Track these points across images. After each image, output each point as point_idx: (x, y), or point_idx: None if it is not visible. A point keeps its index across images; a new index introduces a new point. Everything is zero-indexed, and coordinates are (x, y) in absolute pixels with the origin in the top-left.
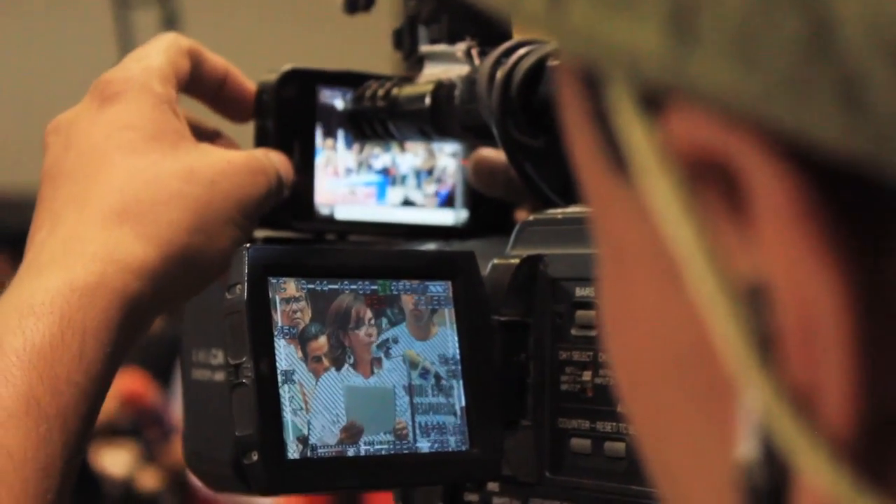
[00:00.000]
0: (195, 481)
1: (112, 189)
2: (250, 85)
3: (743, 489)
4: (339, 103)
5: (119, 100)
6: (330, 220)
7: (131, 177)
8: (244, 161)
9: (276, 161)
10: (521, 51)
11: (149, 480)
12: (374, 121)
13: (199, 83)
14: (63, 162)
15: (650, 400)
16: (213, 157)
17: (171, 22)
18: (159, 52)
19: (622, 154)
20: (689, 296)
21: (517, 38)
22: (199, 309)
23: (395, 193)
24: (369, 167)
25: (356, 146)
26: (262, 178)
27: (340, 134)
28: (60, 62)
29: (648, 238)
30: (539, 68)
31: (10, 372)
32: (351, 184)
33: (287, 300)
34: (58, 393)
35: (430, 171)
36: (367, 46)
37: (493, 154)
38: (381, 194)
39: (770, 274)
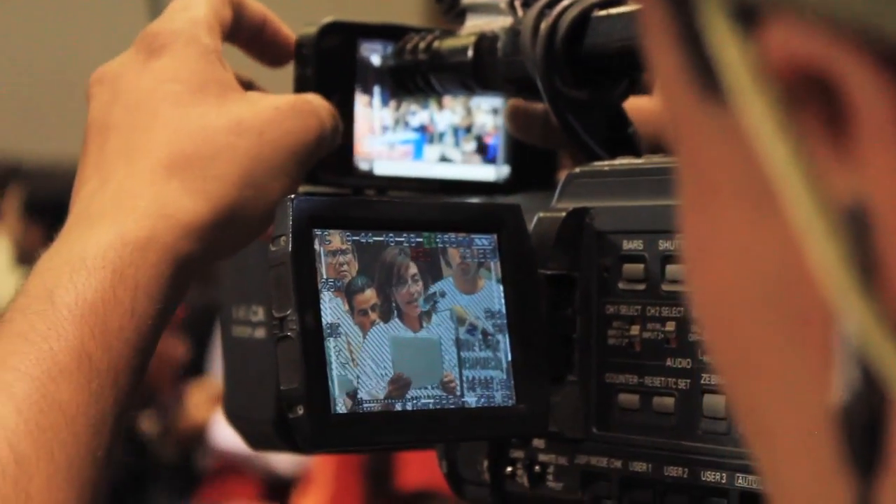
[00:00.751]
0: (214, 441)
1: (160, 142)
2: (287, 30)
3: (838, 424)
4: (376, 59)
5: (165, 52)
6: (369, 175)
7: (179, 130)
8: (292, 106)
9: (326, 105)
10: (565, 2)
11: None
12: (416, 74)
13: (239, 30)
14: (109, 114)
15: (737, 335)
16: (260, 106)
17: None
18: (203, 2)
19: (714, 74)
20: (784, 222)
21: None
22: (238, 265)
23: (433, 151)
24: (406, 124)
25: (393, 103)
26: (313, 122)
27: (377, 90)
28: (90, 30)
29: (739, 163)
30: (584, 19)
31: (62, 326)
32: (388, 141)
33: (333, 252)
34: (109, 348)
35: (468, 129)
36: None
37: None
38: (419, 152)
39: (872, 195)
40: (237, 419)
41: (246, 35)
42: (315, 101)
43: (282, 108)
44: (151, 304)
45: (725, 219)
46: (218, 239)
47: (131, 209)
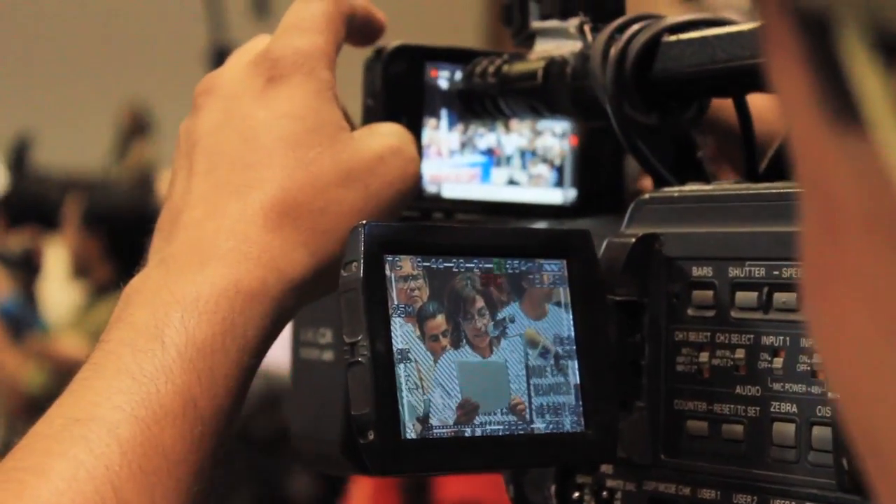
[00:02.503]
0: None
1: (275, 186)
2: (379, 13)
3: None
4: (443, 83)
5: (284, 83)
6: (437, 198)
7: (293, 175)
8: (395, 153)
9: (414, 145)
10: (635, 27)
11: None
12: (485, 98)
13: (351, 36)
14: (221, 138)
15: (857, 365)
16: (366, 153)
17: (261, 5)
18: (323, 28)
19: (849, 103)
20: None
21: (630, 13)
22: None
23: (500, 174)
24: (473, 147)
25: (460, 126)
26: (411, 169)
27: (444, 114)
28: (150, 47)
29: (872, 195)
30: (654, 44)
31: (170, 369)
32: (455, 164)
33: (404, 278)
34: (214, 396)
35: (534, 152)
36: (459, 24)
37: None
38: (486, 175)
39: None
40: (305, 441)
41: (356, 36)
42: (411, 147)
43: (385, 158)
44: (254, 356)
45: (853, 250)
46: (315, 290)
47: (245, 255)
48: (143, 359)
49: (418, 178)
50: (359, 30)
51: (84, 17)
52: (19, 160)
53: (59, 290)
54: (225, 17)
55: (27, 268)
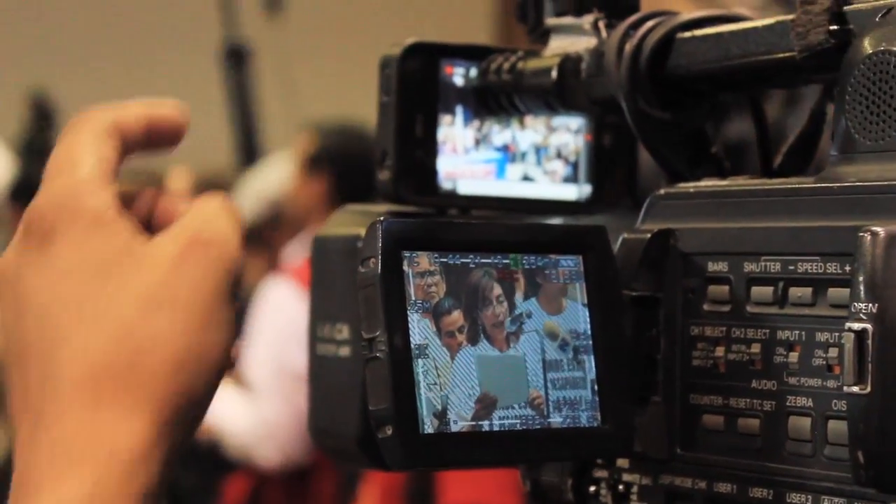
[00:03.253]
0: None
1: (77, 360)
2: (170, 111)
3: None
4: (458, 80)
5: (55, 236)
6: (453, 194)
7: (90, 336)
8: (192, 247)
9: (223, 216)
10: (650, 23)
11: None
12: (500, 94)
13: (129, 150)
14: (22, 330)
15: None
16: (163, 265)
17: (274, 1)
18: (85, 154)
19: None
20: None
21: (645, 10)
22: (323, 283)
23: (515, 170)
24: (488, 144)
25: (475, 123)
26: (214, 253)
27: (459, 110)
28: (164, 45)
29: None
30: (668, 41)
31: None
32: (470, 160)
33: (421, 274)
34: None
35: (549, 148)
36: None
37: None
38: (501, 171)
39: None
40: (322, 436)
41: (137, 147)
42: (213, 227)
43: (186, 258)
44: None
45: None
46: (175, 434)
47: (68, 464)
48: None
49: (236, 257)
50: (145, 140)
51: (98, 15)
52: (41, 120)
53: None
54: (238, 14)
55: None
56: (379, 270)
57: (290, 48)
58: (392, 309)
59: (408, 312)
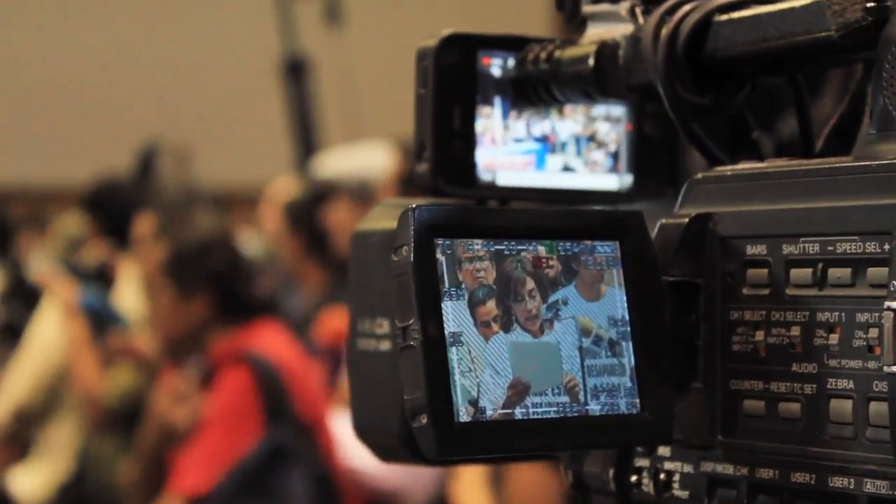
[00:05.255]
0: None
1: None
2: None
3: None
4: (496, 70)
5: None
6: (492, 186)
7: None
8: None
9: None
10: (686, 7)
11: None
12: (538, 84)
13: None
14: None
15: None
16: None
17: (333, 14)
18: None
19: None
20: None
21: None
22: (362, 278)
23: (555, 161)
24: (528, 135)
25: (513, 113)
26: None
27: (497, 101)
28: (224, 56)
29: None
30: (705, 25)
31: None
32: (510, 151)
33: (456, 262)
34: None
35: (590, 138)
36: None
37: None
38: (541, 162)
39: None
40: (364, 432)
41: None
42: None
43: None
44: None
45: None
46: None
47: None
48: None
49: None
50: None
51: (157, 31)
52: (145, 169)
53: (131, 304)
54: (298, 27)
55: (101, 282)
56: (412, 258)
57: (351, 60)
58: (425, 297)
59: (441, 300)
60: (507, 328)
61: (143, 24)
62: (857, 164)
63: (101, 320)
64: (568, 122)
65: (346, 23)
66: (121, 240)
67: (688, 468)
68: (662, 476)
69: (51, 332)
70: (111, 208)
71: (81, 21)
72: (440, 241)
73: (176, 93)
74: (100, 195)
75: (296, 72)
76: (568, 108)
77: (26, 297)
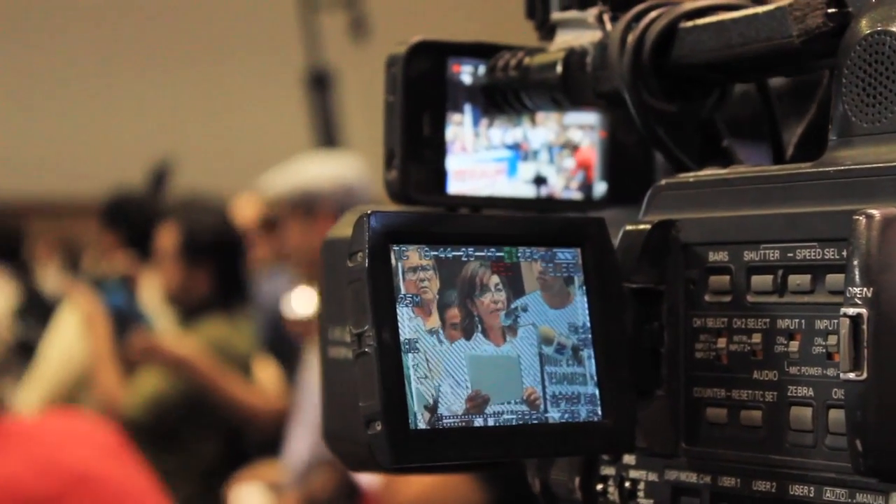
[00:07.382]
0: None
1: None
2: None
3: None
4: (466, 78)
5: None
6: (462, 194)
7: None
8: None
9: None
10: (653, 14)
11: None
12: (507, 92)
13: None
14: None
15: None
16: None
17: (358, 27)
18: None
19: None
20: None
21: (649, 1)
22: (332, 285)
23: (527, 169)
24: (499, 143)
25: (484, 121)
26: None
27: (468, 109)
28: (248, 69)
29: None
30: (671, 32)
31: None
32: (480, 159)
33: (412, 269)
34: None
35: (563, 146)
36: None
37: None
38: (513, 170)
39: None
40: (335, 440)
41: None
42: None
43: None
44: None
45: None
46: None
47: None
48: None
49: None
50: None
51: (183, 42)
52: (158, 183)
53: (153, 316)
54: (322, 40)
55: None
56: (366, 264)
57: (376, 73)
58: (380, 303)
59: (397, 307)
60: (468, 334)
61: (168, 33)
62: (816, 170)
63: (126, 320)
64: (540, 130)
65: (371, 35)
66: (142, 252)
67: (652, 476)
68: (628, 484)
69: (70, 342)
70: (130, 221)
71: (104, 31)
72: (396, 248)
73: (198, 105)
74: (118, 208)
75: (320, 84)
76: (540, 116)
77: (41, 312)
